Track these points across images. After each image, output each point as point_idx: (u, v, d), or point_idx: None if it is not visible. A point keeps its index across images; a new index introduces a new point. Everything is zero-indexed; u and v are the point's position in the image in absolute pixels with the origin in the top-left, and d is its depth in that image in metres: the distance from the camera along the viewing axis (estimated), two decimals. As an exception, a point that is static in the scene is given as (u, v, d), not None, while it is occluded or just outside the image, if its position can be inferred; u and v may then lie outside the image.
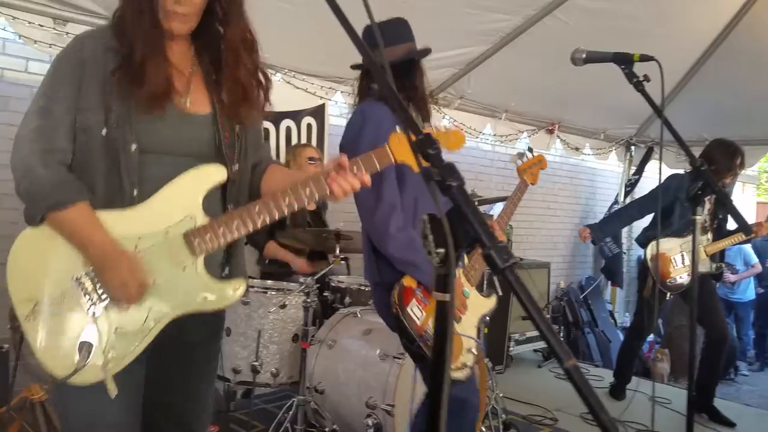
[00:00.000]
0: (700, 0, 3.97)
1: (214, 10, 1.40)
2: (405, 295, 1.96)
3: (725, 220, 4.10)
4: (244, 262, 1.58)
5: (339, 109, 4.59)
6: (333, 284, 3.33)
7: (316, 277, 2.91)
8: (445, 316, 0.85)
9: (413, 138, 0.91)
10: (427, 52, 2.20)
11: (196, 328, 1.46)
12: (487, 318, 2.39)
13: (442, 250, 0.88)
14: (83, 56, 1.33)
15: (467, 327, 2.11)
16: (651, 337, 6.00)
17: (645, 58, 1.93)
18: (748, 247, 7.15)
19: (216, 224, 1.34)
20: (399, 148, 1.43)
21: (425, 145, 0.89)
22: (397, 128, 1.46)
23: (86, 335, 1.29)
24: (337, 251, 3.10)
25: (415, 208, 2.06)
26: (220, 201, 1.46)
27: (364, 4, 0.97)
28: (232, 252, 1.51)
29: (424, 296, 1.99)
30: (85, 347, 1.28)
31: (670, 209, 3.92)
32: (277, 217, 1.37)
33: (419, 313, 1.96)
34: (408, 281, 1.97)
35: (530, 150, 2.50)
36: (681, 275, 3.91)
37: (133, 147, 1.32)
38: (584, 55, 1.98)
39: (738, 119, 5.08)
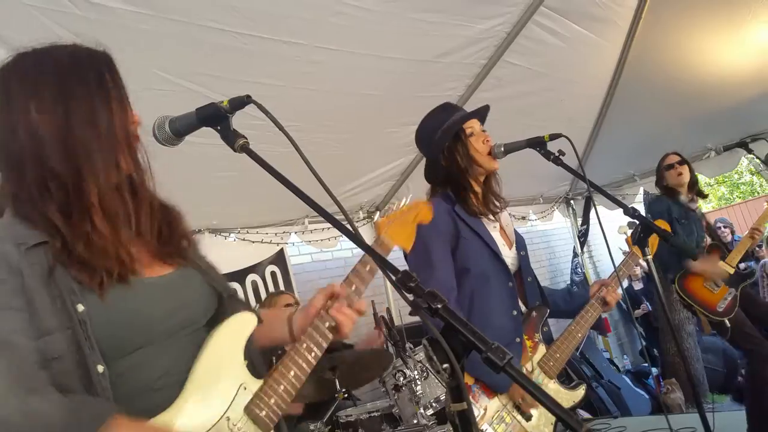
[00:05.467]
0: (582, 59, 4.42)
1: None
2: None
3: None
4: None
5: (297, 249, 4.75)
6: (342, 420, 3.30)
7: (324, 420, 2.91)
8: (468, 425, 0.95)
9: (393, 278, 1.06)
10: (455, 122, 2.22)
11: None
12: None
13: (446, 365, 0.99)
14: (10, 262, 0.98)
15: (544, 424, 1.92)
16: (654, 371, 6.04)
17: (554, 137, 2.18)
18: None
19: (274, 383, 1.13)
20: (391, 232, 1.45)
21: (406, 280, 1.04)
22: (377, 216, 1.45)
23: None
24: (338, 386, 3.10)
25: (471, 301, 2.03)
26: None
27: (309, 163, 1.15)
28: None
29: (484, 392, 1.88)
30: None
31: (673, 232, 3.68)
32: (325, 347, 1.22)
33: (475, 412, 1.82)
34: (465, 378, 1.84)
35: None
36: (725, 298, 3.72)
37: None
38: (503, 149, 2.22)
39: (657, 148, 5.32)
